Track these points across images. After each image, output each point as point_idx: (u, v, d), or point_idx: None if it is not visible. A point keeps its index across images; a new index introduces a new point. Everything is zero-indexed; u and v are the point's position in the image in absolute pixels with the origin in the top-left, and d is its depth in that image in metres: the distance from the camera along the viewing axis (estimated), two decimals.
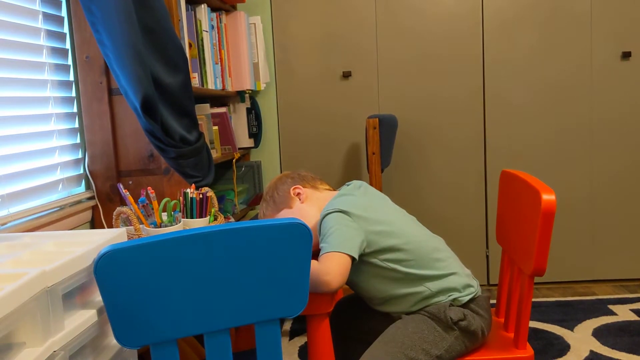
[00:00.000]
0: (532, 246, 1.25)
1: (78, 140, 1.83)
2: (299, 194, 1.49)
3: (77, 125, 1.82)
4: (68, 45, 1.80)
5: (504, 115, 2.78)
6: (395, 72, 2.79)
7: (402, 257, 1.34)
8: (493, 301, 2.29)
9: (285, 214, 1.47)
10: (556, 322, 2.36)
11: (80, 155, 1.83)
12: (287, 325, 2.48)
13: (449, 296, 1.33)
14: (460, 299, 1.33)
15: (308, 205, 1.47)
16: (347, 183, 1.51)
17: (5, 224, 1.41)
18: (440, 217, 2.84)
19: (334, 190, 1.53)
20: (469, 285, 1.36)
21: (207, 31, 2.29)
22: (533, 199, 1.26)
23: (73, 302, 0.99)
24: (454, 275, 1.36)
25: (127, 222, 1.43)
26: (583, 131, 2.77)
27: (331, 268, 1.23)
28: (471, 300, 1.35)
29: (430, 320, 1.32)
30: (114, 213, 1.41)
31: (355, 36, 2.79)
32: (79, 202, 1.78)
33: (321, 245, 1.31)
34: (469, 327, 1.32)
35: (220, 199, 2.43)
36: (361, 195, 1.44)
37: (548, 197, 1.21)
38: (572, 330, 2.27)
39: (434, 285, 1.34)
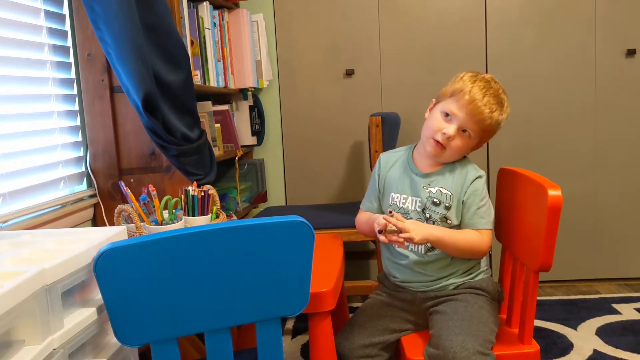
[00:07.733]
0: (539, 242, 1.24)
1: (80, 138, 1.82)
2: None
3: (78, 122, 1.82)
4: (70, 43, 1.80)
5: None
6: (398, 70, 2.78)
7: None
8: None
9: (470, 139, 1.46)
10: (559, 321, 2.35)
11: (81, 153, 1.83)
12: (290, 324, 2.48)
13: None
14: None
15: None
16: None
17: (6, 221, 1.41)
18: None
19: None
20: None
21: (209, 29, 2.28)
22: (538, 195, 1.26)
23: (73, 300, 0.98)
24: None
25: (128, 219, 1.43)
26: (586, 130, 2.76)
27: (489, 244, 1.43)
28: None
29: (483, 297, 1.45)
30: (116, 211, 1.41)
31: (357, 34, 2.78)
32: (81, 199, 1.78)
33: (477, 216, 1.41)
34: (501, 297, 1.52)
35: (223, 197, 2.43)
36: None
37: (554, 192, 1.21)
38: (575, 329, 2.26)
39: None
